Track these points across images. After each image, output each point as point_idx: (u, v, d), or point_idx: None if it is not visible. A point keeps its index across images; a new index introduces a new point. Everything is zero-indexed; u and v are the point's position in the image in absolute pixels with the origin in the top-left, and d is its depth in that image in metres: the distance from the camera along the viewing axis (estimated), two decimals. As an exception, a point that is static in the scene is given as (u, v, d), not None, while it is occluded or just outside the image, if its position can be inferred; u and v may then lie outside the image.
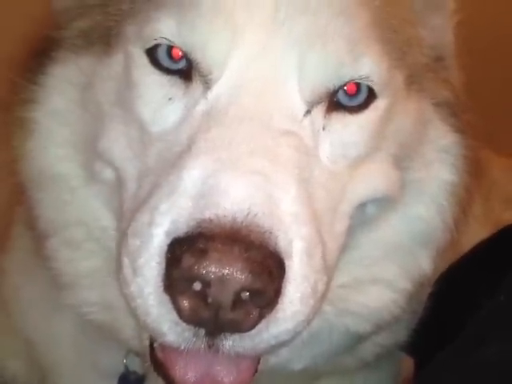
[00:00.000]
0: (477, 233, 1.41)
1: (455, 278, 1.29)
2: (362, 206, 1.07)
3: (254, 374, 1.00)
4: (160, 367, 0.99)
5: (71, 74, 1.13)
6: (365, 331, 1.19)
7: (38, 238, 1.21)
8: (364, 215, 1.10)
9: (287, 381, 1.28)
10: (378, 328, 1.20)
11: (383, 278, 1.18)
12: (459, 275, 1.29)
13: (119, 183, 1.06)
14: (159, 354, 0.99)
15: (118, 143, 1.05)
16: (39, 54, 1.17)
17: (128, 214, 1.00)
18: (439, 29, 1.19)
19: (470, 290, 1.23)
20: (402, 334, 1.32)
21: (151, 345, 1.01)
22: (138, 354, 1.24)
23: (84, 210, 1.16)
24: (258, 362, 1.02)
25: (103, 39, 1.09)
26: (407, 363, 1.37)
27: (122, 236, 0.98)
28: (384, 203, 1.12)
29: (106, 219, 1.15)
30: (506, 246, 1.28)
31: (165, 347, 0.97)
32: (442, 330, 1.22)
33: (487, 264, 1.27)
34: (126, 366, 1.28)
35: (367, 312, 1.17)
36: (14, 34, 1.29)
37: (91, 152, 1.11)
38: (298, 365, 1.19)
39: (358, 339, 1.21)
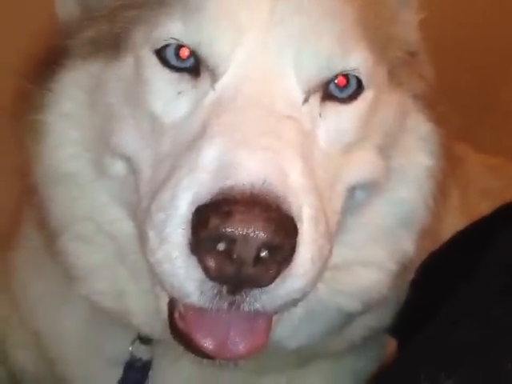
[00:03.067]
0: (455, 224, 1.49)
1: (434, 265, 1.37)
2: (352, 191, 1.18)
3: (266, 342, 1.10)
4: (181, 336, 1.09)
5: (80, 78, 1.22)
6: (355, 310, 1.29)
7: (49, 236, 1.28)
8: (354, 200, 1.20)
9: (281, 364, 1.36)
10: (367, 307, 1.30)
11: (371, 260, 1.29)
12: (438, 263, 1.37)
13: (133, 172, 1.14)
14: (179, 323, 1.09)
15: (130, 136, 1.14)
16: (48, 62, 1.24)
17: (146, 196, 1.09)
18: (409, 24, 1.31)
19: (448, 276, 1.29)
20: (387, 318, 1.41)
21: (171, 315, 1.11)
22: (144, 341, 1.33)
23: (93, 205, 1.24)
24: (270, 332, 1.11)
25: (111, 45, 1.18)
26: (391, 345, 1.46)
27: (142, 217, 1.07)
28: (371, 188, 1.23)
29: (114, 212, 1.23)
30: (483, 235, 1.36)
31: (185, 316, 1.07)
32: (422, 314, 1.27)
33: (464, 252, 1.34)
34: (131, 354, 1.35)
35: (357, 292, 1.27)
36: (17, 45, 1.36)
37: (101, 149, 1.19)
38: (293, 343, 1.28)
39: (349, 318, 1.31)
